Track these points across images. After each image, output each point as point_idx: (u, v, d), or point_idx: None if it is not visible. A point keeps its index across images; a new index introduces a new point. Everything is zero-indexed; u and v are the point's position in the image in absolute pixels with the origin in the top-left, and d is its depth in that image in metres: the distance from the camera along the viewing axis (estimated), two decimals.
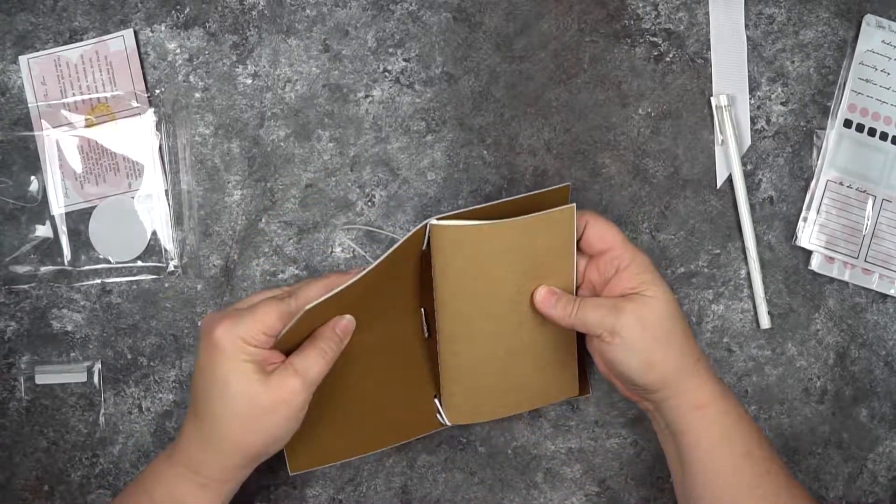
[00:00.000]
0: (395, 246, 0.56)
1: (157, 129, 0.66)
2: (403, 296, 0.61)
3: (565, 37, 0.68)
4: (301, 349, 0.56)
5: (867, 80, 0.69)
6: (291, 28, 0.67)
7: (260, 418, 0.53)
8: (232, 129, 0.67)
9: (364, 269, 0.56)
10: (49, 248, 0.66)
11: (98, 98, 0.66)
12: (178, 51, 0.66)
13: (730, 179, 0.68)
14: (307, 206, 0.67)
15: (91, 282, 0.66)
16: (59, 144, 0.66)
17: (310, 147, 0.67)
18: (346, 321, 0.57)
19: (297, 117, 0.67)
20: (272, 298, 0.56)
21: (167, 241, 0.66)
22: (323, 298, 0.55)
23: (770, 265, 0.69)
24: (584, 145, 0.68)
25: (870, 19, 0.69)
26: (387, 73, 0.67)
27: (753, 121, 0.69)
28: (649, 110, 0.68)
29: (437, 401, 0.65)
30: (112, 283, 0.66)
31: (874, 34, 0.69)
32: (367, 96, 0.67)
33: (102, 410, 0.66)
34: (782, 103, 0.69)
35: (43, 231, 0.66)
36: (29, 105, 0.66)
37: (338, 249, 0.67)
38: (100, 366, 0.66)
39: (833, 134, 0.69)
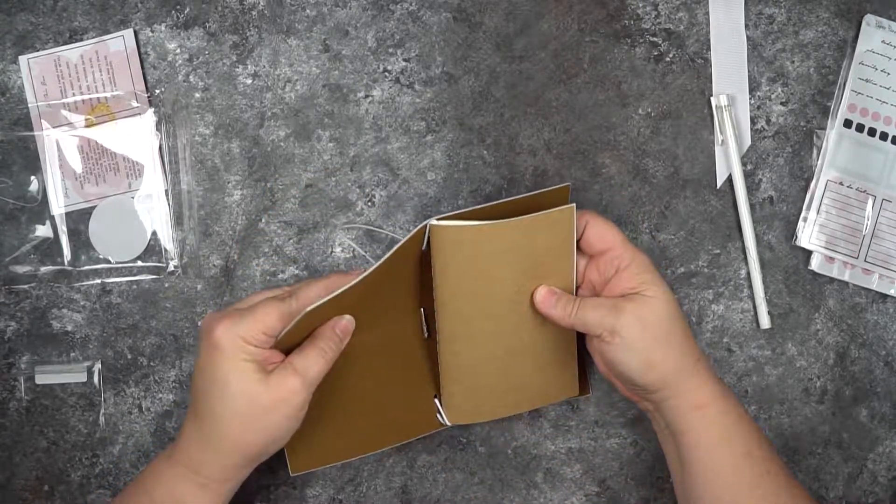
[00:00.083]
0: (396, 247, 0.56)
1: (157, 129, 0.66)
2: (403, 296, 0.61)
3: (565, 37, 0.68)
4: (301, 349, 0.56)
5: (867, 80, 0.69)
6: (291, 28, 0.67)
7: (260, 418, 0.53)
8: (232, 129, 0.67)
9: (365, 270, 0.56)
10: (49, 248, 0.66)
11: (98, 98, 0.66)
12: (178, 51, 0.66)
13: (730, 179, 0.68)
14: (307, 206, 0.67)
15: (91, 282, 0.66)
16: (59, 144, 0.66)
17: (310, 147, 0.67)
18: (346, 321, 0.57)
19: (297, 117, 0.67)
20: (273, 299, 0.56)
21: (167, 241, 0.66)
22: (323, 301, 0.55)
23: (770, 265, 0.69)
24: (584, 145, 0.68)
25: (870, 19, 0.69)
26: (387, 73, 0.67)
27: (753, 121, 0.69)
28: (649, 110, 0.68)
29: (437, 401, 0.65)
30: (112, 283, 0.66)
31: (874, 34, 0.69)
32: (367, 96, 0.67)
33: (102, 410, 0.67)
34: (782, 103, 0.69)
35: (43, 231, 0.66)
36: (29, 105, 0.66)
37: (338, 249, 0.67)
38: (100, 366, 0.66)
39: (833, 134, 0.69)
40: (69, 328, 0.66)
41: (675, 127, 0.69)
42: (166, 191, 0.66)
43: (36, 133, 0.66)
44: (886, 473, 0.70)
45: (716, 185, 0.69)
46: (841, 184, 0.69)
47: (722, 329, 0.69)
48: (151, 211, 0.66)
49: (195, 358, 0.65)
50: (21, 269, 0.66)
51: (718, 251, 0.69)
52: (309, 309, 0.54)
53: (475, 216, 0.57)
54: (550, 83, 0.68)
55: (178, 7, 0.66)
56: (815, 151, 0.69)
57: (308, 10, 0.67)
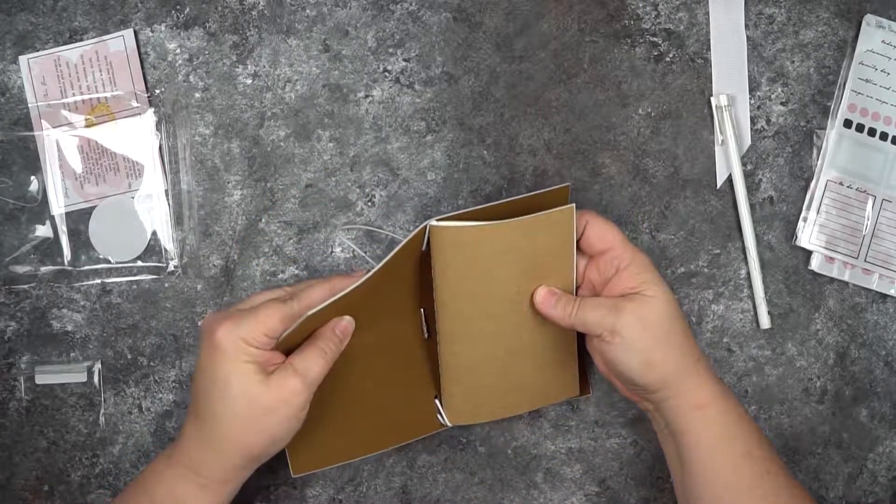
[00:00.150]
0: (397, 249, 0.56)
1: (157, 129, 0.66)
2: (403, 296, 0.61)
3: (565, 37, 0.68)
4: (301, 349, 0.56)
5: (867, 80, 0.69)
6: (291, 28, 0.67)
7: (260, 419, 0.53)
8: (232, 129, 0.67)
9: (367, 272, 0.56)
10: (49, 248, 0.66)
11: (98, 98, 0.66)
12: (178, 51, 0.66)
13: (730, 179, 0.68)
14: (307, 206, 0.67)
15: (91, 282, 0.66)
16: (59, 144, 0.66)
17: (310, 147, 0.67)
18: (346, 322, 0.57)
19: (297, 117, 0.67)
20: (275, 300, 0.56)
21: (167, 241, 0.66)
22: (325, 304, 0.55)
23: (770, 265, 0.69)
24: (584, 145, 0.68)
25: (870, 19, 0.69)
26: (387, 73, 0.67)
27: (753, 121, 0.69)
28: (649, 110, 0.68)
29: (437, 401, 0.65)
30: (112, 283, 0.66)
31: (874, 34, 0.69)
32: (367, 96, 0.67)
33: (102, 410, 0.67)
34: (782, 103, 0.69)
35: (43, 231, 0.66)
36: (29, 105, 0.66)
37: (338, 249, 0.67)
38: (100, 366, 0.66)
39: (833, 134, 0.69)
40: (69, 328, 0.66)
41: (675, 127, 0.69)
42: (166, 191, 0.66)
43: (36, 133, 0.66)
44: (886, 473, 0.70)
45: (716, 185, 0.69)
46: (841, 184, 0.69)
47: (722, 329, 0.69)
48: (151, 211, 0.66)
49: (196, 358, 0.65)
50: (21, 269, 0.66)
51: (718, 251, 0.69)
52: (310, 313, 0.55)
53: (475, 216, 0.57)
54: (550, 83, 0.68)
55: (178, 7, 0.66)
56: (815, 151, 0.69)
57: (308, 10, 0.67)
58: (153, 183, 0.66)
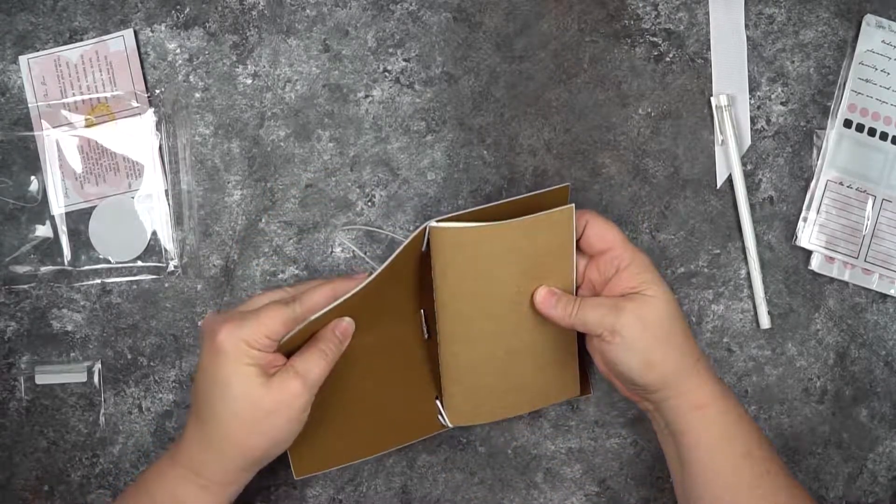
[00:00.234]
0: (399, 250, 0.56)
1: (157, 129, 0.66)
2: (403, 297, 0.61)
3: (565, 37, 0.68)
4: (302, 351, 0.56)
5: (867, 80, 0.69)
6: (291, 28, 0.67)
7: (262, 420, 0.53)
8: (232, 129, 0.67)
9: (369, 274, 0.56)
10: (49, 248, 0.66)
11: (98, 98, 0.66)
12: (178, 51, 0.66)
13: (730, 179, 0.68)
14: (307, 206, 0.67)
15: (91, 282, 0.66)
16: (59, 144, 0.66)
17: (310, 147, 0.67)
18: (346, 323, 0.57)
19: (297, 117, 0.67)
20: (277, 303, 0.56)
21: (167, 241, 0.66)
22: (328, 309, 0.55)
23: (770, 265, 0.69)
24: (584, 145, 0.68)
25: (870, 19, 0.69)
26: (387, 73, 0.67)
27: (753, 121, 0.69)
28: (649, 110, 0.68)
29: (438, 402, 0.65)
30: (112, 283, 0.66)
31: (874, 34, 0.69)
32: (367, 96, 0.67)
33: (102, 410, 0.66)
34: (782, 103, 0.69)
35: (43, 231, 0.66)
36: (29, 105, 0.66)
37: (338, 249, 0.67)
38: (100, 366, 0.66)
39: (833, 134, 0.69)
40: (69, 328, 0.66)
41: (675, 127, 0.69)
42: (166, 191, 0.66)
43: (36, 133, 0.66)
44: (886, 473, 0.70)
45: (716, 185, 0.69)
46: (841, 184, 0.69)
47: (722, 329, 0.69)
48: (151, 211, 0.66)
49: (197, 360, 0.65)
50: (21, 269, 0.66)
51: (718, 251, 0.69)
52: (314, 317, 0.55)
53: (474, 217, 0.57)
54: (550, 83, 0.68)
55: (178, 7, 0.66)
56: (815, 151, 0.69)
57: (308, 10, 0.67)
58: (153, 183, 0.66)
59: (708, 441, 0.57)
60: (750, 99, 0.69)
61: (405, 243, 0.56)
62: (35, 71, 0.66)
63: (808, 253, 0.69)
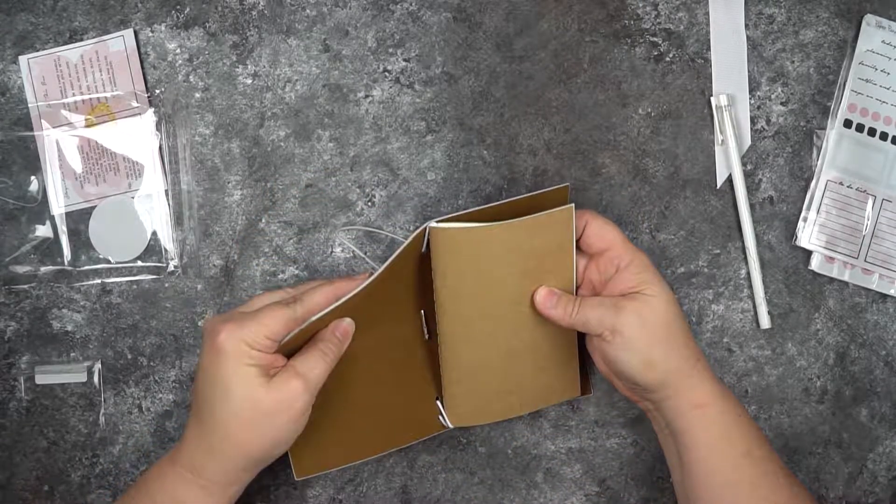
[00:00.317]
0: (399, 250, 0.56)
1: (157, 129, 0.66)
2: (403, 298, 0.61)
3: (565, 37, 0.68)
4: (302, 352, 0.56)
5: (867, 80, 0.69)
6: (291, 28, 0.67)
7: (262, 421, 0.53)
8: (232, 129, 0.67)
9: (369, 274, 0.56)
10: (49, 248, 0.66)
11: (98, 98, 0.66)
12: (178, 51, 0.66)
13: (730, 179, 0.68)
14: (307, 206, 0.67)
15: (91, 282, 0.66)
16: (59, 144, 0.66)
17: (310, 147, 0.67)
18: (346, 324, 0.57)
19: (297, 117, 0.67)
20: (278, 304, 0.56)
21: (167, 241, 0.66)
22: (328, 310, 0.55)
23: (770, 265, 0.69)
24: (584, 145, 0.68)
25: (870, 19, 0.69)
26: (387, 73, 0.67)
27: (753, 121, 0.69)
28: (649, 110, 0.68)
29: (438, 403, 0.65)
30: (112, 283, 0.66)
31: (874, 34, 0.69)
32: (367, 96, 0.67)
33: (102, 410, 0.66)
34: (782, 103, 0.69)
35: (43, 231, 0.66)
36: (29, 105, 0.66)
37: (338, 249, 0.67)
38: (100, 366, 0.66)
39: (833, 134, 0.69)
40: (69, 328, 0.66)
41: (675, 127, 0.69)
42: (166, 191, 0.66)
43: (36, 133, 0.66)
44: (886, 473, 0.70)
45: (716, 185, 0.69)
46: (841, 184, 0.69)
47: (722, 329, 0.69)
48: (151, 211, 0.66)
49: (198, 360, 0.65)
50: (21, 269, 0.66)
51: (718, 251, 0.69)
52: (314, 318, 0.55)
53: (474, 218, 0.57)
54: (550, 83, 0.68)
55: (178, 7, 0.66)
56: (815, 151, 0.69)
57: (308, 10, 0.67)
58: (153, 183, 0.66)
59: (708, 441, 0.57)
60: (750, 99, 0.69)
61: (405, 244, 0.56)
62: (35, 71, 0.66)
63: (808, 253, 0.69)
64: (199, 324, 0.66)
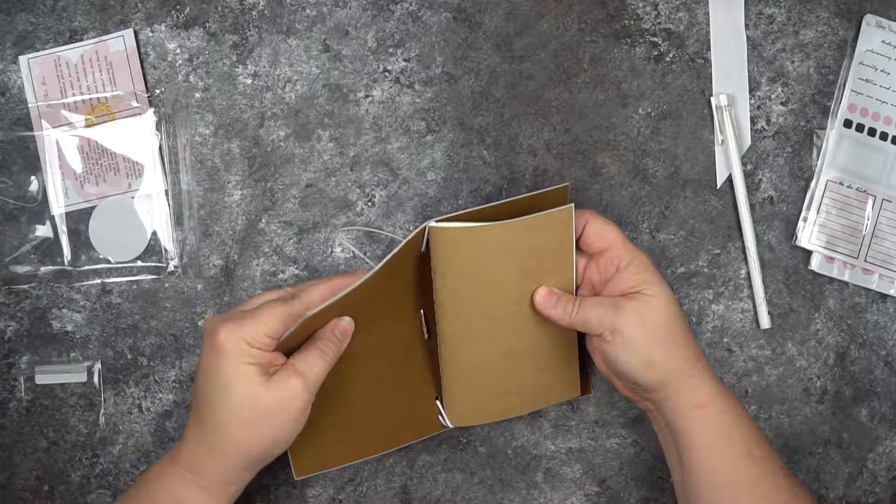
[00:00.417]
0: (397, 249, 0.56)
1: (157, 129, 0.66)
2: (403, 298, 0.61)
3: (565, 37, 0.68)
4: (301, 350, 0.56)
5: (867, 80, 0.69)
6: (291, 28, 0.67)
7: (262, 420, 0.53)
8: (232, 129, 0.67)
9: (367, 272, 0.56)
10: (49, 248, 0.66)
11: (98, 98, 0.66)
12: (178, 51, 0.66)
13: (730, 179, 0.68)
14: (307, 206, 0.67)
15: (91, 282, 0.66)
16: (59, 144, 0.66)
17: (310, 147, 0.67)
18: (346, 323, 0.57)
19: (297, 117, 0.67)
20: (276, 301, 0.56)
21: (167, 241, 0.66)
22: (325, 304, 0.55)
23: (770, 265, 0.69)
24: (584, 145, 0.68)
25: (870, 19, 0.69)
26: (387, 73, 0.67)
27: (753, 121, 0.69)
28: (649, 110, 0.68)
29: (438, 403, 0.65)
30: (112, 283, 0.66)
31: (874, 34, 0.69)
32: (367, 96, 0.67)
33: (102, 410, 0.66)
34: (782, 103, 0.69)
35: (43, 231, 0.66)
36: (29, 105, 0.66)
37: (338, 249, 0.67)
38: (100, 366, 0.66)
39: (833, 134, 0.69)
40: (69, 328, 0.66)
41: (675, 127, 0.69)
42: (166, 191, 0.66)
43: (36, 133, 0.66)
44: (886, 473, 0.70)
45: (716, 185, 0.69)
46: (841, 184, 0.69)
47: (722, 329, 0.69)
48: (151, 211, 0.66)
49: (198, 360, 0.65)
50: (21, 269, 0.66)
51: (718, 251, 0.69)
52: (311, 313, 0.55)
53: (474, 217, 0.57)
54: (550, 83, 0.68)
55: (178, 7, 0.66)
56: (815, 151, 0.69)
57: (308, 10, 0.67)
58: (153, 183, 0.66)
59: (708, 440, 0.57)
60: (750, 99, 0.69)
61: (404, 241, 0.56)
62: (35, 71, 0.66)
63: (808, 253, 0.69)
64: (199, 324, 0.67)
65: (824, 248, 0.69)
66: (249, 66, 0.67)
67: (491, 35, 0.67)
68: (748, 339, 0.69)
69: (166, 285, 0.67)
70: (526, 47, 0.68)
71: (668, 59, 0.68)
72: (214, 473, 0.54)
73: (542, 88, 0.68)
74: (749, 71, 0.69)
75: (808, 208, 0.69)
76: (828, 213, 0.69)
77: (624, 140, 0.68)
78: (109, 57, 0.66)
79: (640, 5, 0.68)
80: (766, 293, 0.68)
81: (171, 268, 0.66)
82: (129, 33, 0.66)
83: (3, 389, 0.66)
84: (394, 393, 0.63)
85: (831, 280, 0.69)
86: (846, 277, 0.69)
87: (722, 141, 0.68)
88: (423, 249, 0.59)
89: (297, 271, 0.67)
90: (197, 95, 0.66)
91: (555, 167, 0.68)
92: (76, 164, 0.66)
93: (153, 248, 0.66)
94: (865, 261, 0.69)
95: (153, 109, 0.66)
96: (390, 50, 0.67)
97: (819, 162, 0.69)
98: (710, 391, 0.57)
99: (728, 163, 0.68)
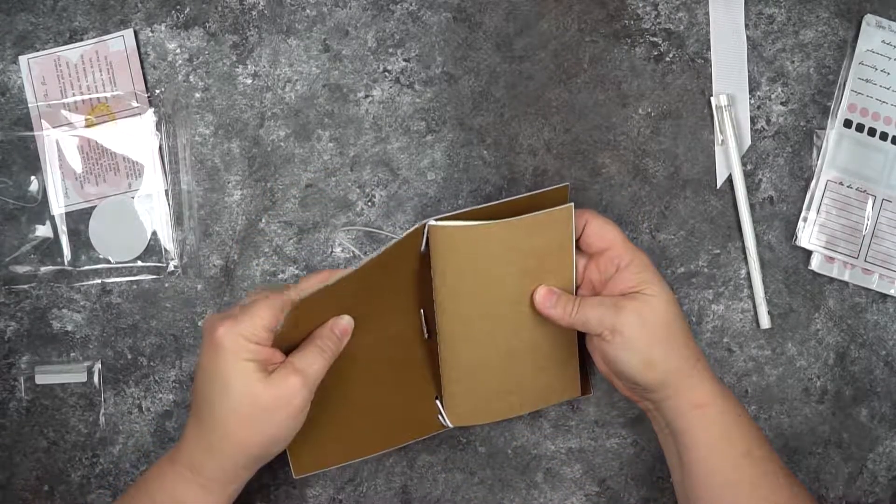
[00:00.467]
0: (394, 241, 0.56)
1: (157, 129, 0.66)
2: (403, 297, 0.61)
3: (565, 37, 0.68)
4: (300, 348, 0.56)
5: (867, 80, 0.69)
6: (291, 28, 0.67)
7: (261, 417, 0.53)
8: (232, 129, 0.67)
9: (367, 257, 0.56)
10: (49, 248, 0.66)
11: (98, 98, 0.66)
12: (178, 51, 0.66)
13: (730, 179, 0.68)
14: (307, 206, 0.67)
15: (91, 282, 0.66)
16: (59, 144, 0.66)
17: (310, 147, 0.67)
18: (345, 322, 0.57)
19: (297, 117, 0.67)
20: (272, 293, 0.56)
21: (167, 241, 0.66)
22: (318, 288, 0.54)
23: (770, 265, 0.69)
24: (584, 145, 0.68)
25: (870, 19, 0.69)
26: (387, 73, 0.67)
27: (753, 121, 0.69)
28: (649, 110, 0.68)
29: (438, 402, 0.65)
30: (112, 283, 0.66)
31: (874, 34, 0.69)
32: (367, 96, 0.67)
33: (102, 410, 0.66)
34: (782, 103, 0.69)
35: (43, 231, 0.66)
36: (29, 105, 0.66)
37: (338, 249, 0.67)
38: (100, 366, 0.66)
39: (833, 134, 0.69)
40: (69, 328, 0.66)
41: (675, 127, 0.69)
42: (166, 191, 0.66)
43: (36, 133, 0.66)
44: (886, 473, 0.70)
45: (716, 185, 0.69)
46: (841, 184, 0.69)
47: (722, 329, 0.69)
48: (151, 211, 0.66)
49: (197, 359, 0.65)
50: (21, 269, 0.66)
51: (718, 251, 0.69)
52: (303, 296, 0.54)
53: (474, 216, 0.57)
54: (550, 83, 0.68)
55: (178, 7, 0.66)
56: (815, 151, 0.69)
57: (308, 10, 0.67)
58: (153, 183, 0.66)
59: (708, 440, 0.57)
60: (750, 99, 0.69)
61: (402, 236, 0.56)
62: (35, 71, 0.66)
63: (808, 253, 0.69)
64: (199, 324, 0.67)
65: (824, 248, 0.69)
66: (249, 66, 0.67)
67: (491, 35, 0.67)
68: (748, 339, 0.69)
69: (166, 285, 0.67)
70: (526, 47, 0.68)
71: (668, 59, 0.68)
72: (213, 472, 0.54)
73: (542, 88, 0.68)
74: (749, 71, 0.69)
75: (808, 208, 0.69)
76: (828, 213, 0.69)
77: (624, 140, 0.68)
78: (109, 57, 0.66)
79: (640, 5, 0.68)
80: (766, 293, 0.68)
81: (171, 268, 0.66)
82: (129, 33, 0.66)
83: (3, 389, 0.66)
84: (393, 392, 0.63)
85: (831, 280, 0.69)
86: (846, 277, 0.69)
87: (722, 141, 0.68)
88: (422, 248, 0.59)
89: (297, 271, 0.67)
90: (197, 95, 0.66)
91: (555, 167, 0.68)
92: (76, 164, 0.66)
93: (153, 248, 0.66)
94: (865, 261, 0.69)
95: (153, 109, 0.66)
96: (390, 50, 0.67)
97: (819, 162, 0.69)
98: (710, 391, 0.57)
99: (728, 163, 0.68)
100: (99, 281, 0.66)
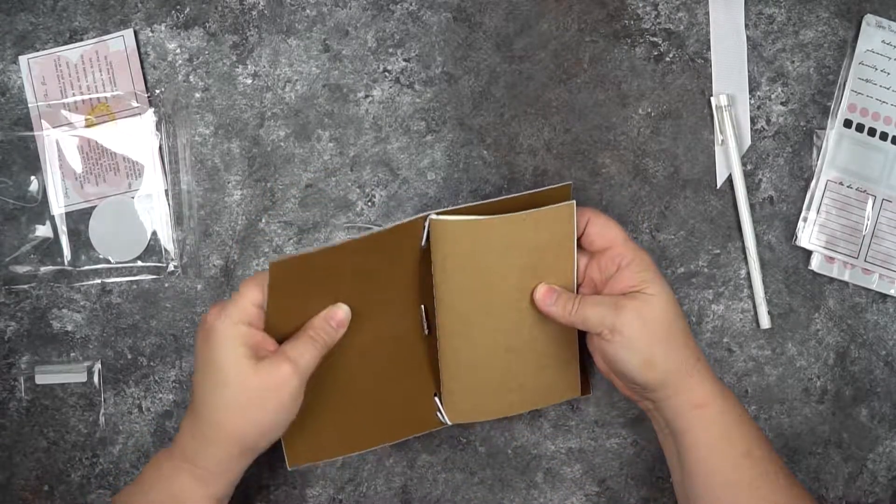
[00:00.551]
0: (389, 226, 0.56)
1: (157, 129, 0.66)
2: (403, 292, 0.61)
3: (565, 37, 0.68)
4: (293, 337, 0.56)
5: (867, 80, 0.69)
6: (291, 28, 0.67)
7: (252, 406, 0.53)
8: (232, 129, 0.67)
9: (351, 238, 0.55)
10: (49, 248, 0.66)
11: (98, 98, 0.66)
12: (178, 51, 0.66)
13: (730, 179, 0.68)
14: (307, 206, 0.67)
15: (91, 282, 0.66)
16: (59, 144, 0.66)
17: (310, 147, 0.67)
18: (342, 313, 0.57)
19: (297, 117, 0.67)
20: (257, 275, 0.56)
21: (167, 241, 0.66)
22: (297, 254, 0.54)
23: (770, 265, 0.69)
24: (584, 145, 0.68)
25: (870, 19, 0.69)
26: (387, 73, 0.67)
27: (753, 121, 0.69)
28: (649, 110, 0.68)
29: (437, 399, 0.64)
30: (112, 283, 0.66)
31: (874, 34, 0.69)
32: (367, 96, 0.67)
33: (102, 410, 0.66)
34: (782, 103, 0.69)
35: (43, 231, 0.66)
36: (29, 105, 0.66)
37: None
38: (100, 366, 0.66)
39: (833, 134, 0.69)
40: (69, 328, 0.66)
41: (675, 127, 0.69)
42: (166, 191, 0.66)
43: (36, 133, 0.66)
44: (886, 473, 0.70)
45: (716, 185, 0.69)
46: (841, 184, 0.69)
47: (722, 329, 0.69)
48: (151, 211, 0.66)
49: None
50: (21, 269, 0.66)
51: (718, 251, 0.69)
52: (279, 258, 0.53)
53: (475, 212, 0.57)
54: (550, 83, 0.68)
55: (178, 7, 0.66)
56: (815, 151, 0.69)
57: (308, 10, 0.67)
58: (153, 183, 0.66)
59: (708, 440, 0.57)
60: (750, 99, 0.69)
61: (400, 222, 0.56)
62: (35, 71, 0.66)
63: (808, 253, 0.69)
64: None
65: (824, 248, 0.69)
66: (249, 66, 0.67)
67: (491, 35, 0.67)
68: (748, 339, 0.69)
69: (166, 285, 0.67)
70: (526, 47, 0.68)
71: (668, 59, 0.68)
72: (208, 462, 0.54)
73: (542, 88, 0.68)
74: (749, 71, 0.69)
75: (808, 208, 0.69)
76: (828, 213, 0.69)
77: (624, 140, 0.68)
78: (109, 57, 0.66)
79: (640, 5, 0.68)
80: (766, 293, 0.68)
81: (171, 268, 0.66)
82: (129, 33, 0.66)
83: (3, 389, 0.66)
84: (392, 387, 0.63)
85: (831, 280, 0.69)
86: (846, 277, 0.69)
87: (722, 141, 0.68)
88: (423, 243, 0.59)
89: None
90: (197, 95, 0.66)
91: (555, 167, 0.68)
92: (76, 164, 0.66)
93: (153, 248, 0.66)
94: (865, 261, 0.69)
95: (153, 109, 0.66)
96: (390, 50, 0.67)
97: (819, 162, 0.69)
98: (710, 391, 0.57)
99: (728, 163, 0.68)
100: (99, 281, 0.66)
